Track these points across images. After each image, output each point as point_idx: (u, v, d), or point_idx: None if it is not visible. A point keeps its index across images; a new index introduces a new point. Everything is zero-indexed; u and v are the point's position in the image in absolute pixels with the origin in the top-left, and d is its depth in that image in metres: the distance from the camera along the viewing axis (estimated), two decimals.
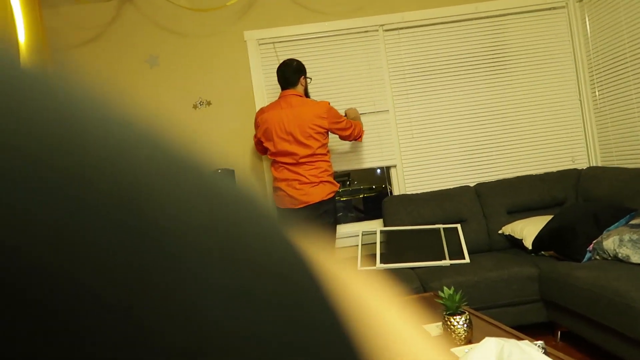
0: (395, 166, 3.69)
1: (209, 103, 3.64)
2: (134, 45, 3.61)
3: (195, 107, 3.63)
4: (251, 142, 3.61)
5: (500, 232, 3.28)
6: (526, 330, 2.83)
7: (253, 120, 3.64)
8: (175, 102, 3.63)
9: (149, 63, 3.61)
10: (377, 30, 3.69)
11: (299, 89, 3.11)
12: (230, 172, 2.80)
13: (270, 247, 0.14)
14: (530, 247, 2.94)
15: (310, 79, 3.29)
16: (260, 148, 3.25)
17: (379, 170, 4.05)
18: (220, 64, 3.64)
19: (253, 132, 3.64)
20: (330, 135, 3.13)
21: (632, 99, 3.25)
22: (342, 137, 3.18)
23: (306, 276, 0.14)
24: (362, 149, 3.67)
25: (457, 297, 1.87)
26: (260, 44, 3.65)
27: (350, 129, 3.12)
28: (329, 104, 3.07)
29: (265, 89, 3.65)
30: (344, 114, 3.29)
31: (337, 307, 0.14)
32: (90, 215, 0.10)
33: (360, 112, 3.43)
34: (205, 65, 3.64)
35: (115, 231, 0.11)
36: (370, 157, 3.67)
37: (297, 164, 3.02)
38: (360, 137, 3.23)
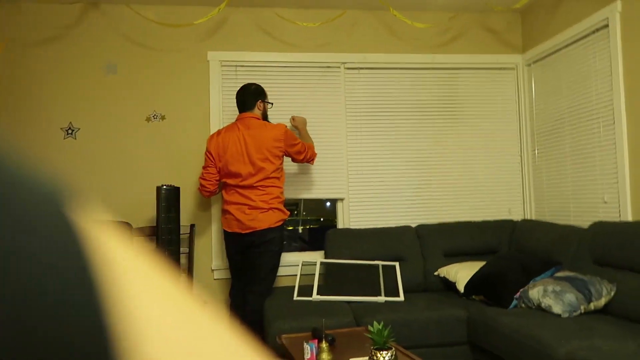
0: (342, 199, 3.75)
1: (163, 117, 3.60)
2: (93, 50, 3.56)
3: (148, 120, 3.59)
4: (200, 161, 3.59)
5: (436, 273, 3.37)
6: None
7: (205, 140, 3.64)
8: (128, 113, 3.57)
9: (107, 70, 3.56)
10: (339, 67, 3.81)
11: (257, 112, 3.13)
12: (176, 190, 2.74)
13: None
14: (462, 291, 3.03)
15: (272, 104, 3.33)
16: (207, 185, 3.11)
17: (328, 203, 4.09)
18: (180, 81, 3.64)
19: (203, 150, 3.62)
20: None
21: (566, 162, 3.48)
22: (295, 160, 3.21)
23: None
24: (313, 178, 3.71)
25: (386, 333, 1.90)
26: (222, 66, 3.68)
27: (304, 152, 3.16)
28: (286, 127, 3.11)
29: (222, 110, 3.66)
30: (291, 118, 3.44)
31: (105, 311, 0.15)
32: None
33: (314, 144, 3.48)
34: (165, 79, 3.62)
35: None
36: (320, 187, 3.72)
37: (249, 187, 3.00)
38: (313, 159, 3.27)
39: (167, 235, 3.11)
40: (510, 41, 4.02)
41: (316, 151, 3.35)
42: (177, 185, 3.22)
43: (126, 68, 3.59)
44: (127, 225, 3.36)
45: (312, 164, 3.36)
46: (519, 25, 4.04)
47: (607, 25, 3.08)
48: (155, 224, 3.32)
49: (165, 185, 3.11)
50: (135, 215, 3.51)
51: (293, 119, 3.43)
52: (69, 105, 3.51)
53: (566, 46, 3.47)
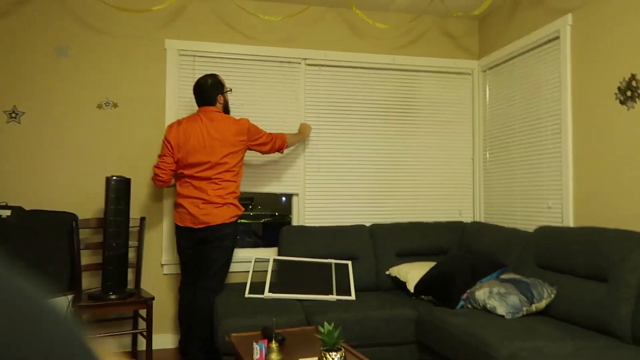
0: (297, 194, 3.74)
1: (115, 105, 3.47)
2: (43, 31, 3.38)
3: (99, 106, 3.45)
4: (153, 152, 3.49)
5: (387, 273, 3.42)
6: None
7: (160, 130, 3.53)
8: (78, 98, 3.42)
9: (57, 53, 3.39)
10: (300, 63, 3.78)
11: (218, 106, 3.09)
12: (127, 181, 2.66)
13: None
14: (412, 290, 3.09)
15: (230, 90, 3.27)
16: (161, 175, 3.03)
17: (284, 199, 4.07)
18: (135, 68, 3.51)
19: (157, 141, 3.52)
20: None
21: (515, 167, 3.60)
22: (263, 152, 3.20)
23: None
24: (268, 173, 3.68)
25: (336, 334, 1.91)
26: (180, 55, 3.58)
27: (270, 142, 3.16)
28: (249, 120, 3.08)
29: (178, 100, 3.57)
30: (298, 130, 3.55)
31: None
32: None
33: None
34: (119, 66, 3.49)
35: None
36: (275, 182, 3.70)
37: (206, 179, 2.95)
38: (282, 148, 3.27)
39: (115, 228, 3.00)
40: (467, 47, 4.11)
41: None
42: (128, 177, 3.11)
43: (78, 52, 3.43)
44: (73, 215, 3.22)
45: (282, 152, 3.36)
46: (476, 32, 4.14)
47: (558, 37, 3.20)
48: (103, 216, 3.20)
49: (115, 176, 3.00)
50: (82, 206, 3.37)
51: (304, 125, 3.60)
52: (13, 87, 3.32)
53: (520, 55, 3.58)
